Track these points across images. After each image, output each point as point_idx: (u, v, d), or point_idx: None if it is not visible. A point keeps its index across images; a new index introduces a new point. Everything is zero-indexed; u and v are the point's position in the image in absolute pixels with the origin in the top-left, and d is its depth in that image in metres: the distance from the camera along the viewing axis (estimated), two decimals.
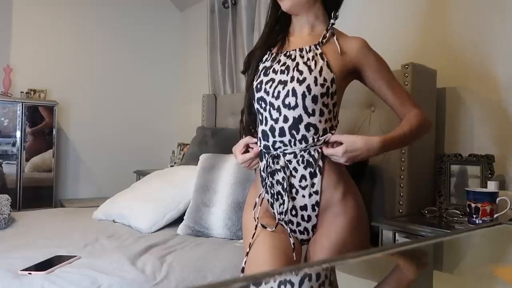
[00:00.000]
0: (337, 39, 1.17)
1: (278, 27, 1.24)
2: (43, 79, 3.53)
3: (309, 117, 1.10)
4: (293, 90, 1.10)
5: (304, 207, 1.15)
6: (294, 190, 1.14)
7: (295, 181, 1.13)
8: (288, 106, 1.10)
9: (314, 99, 1.10)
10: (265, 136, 1.15)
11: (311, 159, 1.11)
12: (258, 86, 1.16)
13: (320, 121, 1.12)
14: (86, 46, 3.76)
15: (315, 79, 1.10)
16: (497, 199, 1.36)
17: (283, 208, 1.15)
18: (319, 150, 1.11)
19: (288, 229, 1.17)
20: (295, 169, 1.12)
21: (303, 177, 1.12)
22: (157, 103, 4.12)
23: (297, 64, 1.13)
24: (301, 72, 1.11)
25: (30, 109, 3.25)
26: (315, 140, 1.11)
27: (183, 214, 1.97)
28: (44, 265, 1.39)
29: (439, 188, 1.74)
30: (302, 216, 1.16)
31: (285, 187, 1.13)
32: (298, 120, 1.10)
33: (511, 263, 0.81)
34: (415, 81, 1.66)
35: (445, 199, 1.71)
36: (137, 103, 4.02)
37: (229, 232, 1.82)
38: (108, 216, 2.14)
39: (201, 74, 3.61)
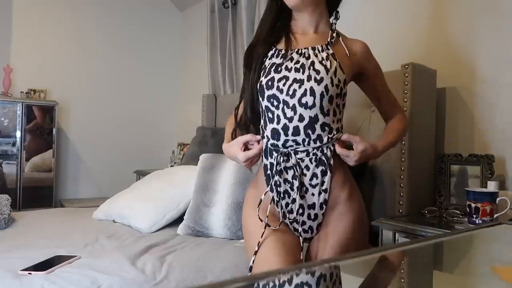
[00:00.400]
0: (342, 40, 1.19)
1: (279, 23, 1.22)
2: (43, 79, 3.53)
3: (324, 117, 1.10)
4: (311, 89, 1.09)
5: (312, 206, 1.14)
6: (304, 189, 1.13)
7: (305, 180, 1.13)
8: (305, 105, 1.09)
9: (331, 99, 1.10)
10: (275, 134, 1.13)
11: (323, 157, 1.11)
12: (269, 83, 1.13)
13: (333, 121, 1.13)
14: (86, 46, 3.76)
15: (331, 79, 1.10)
16: (497, 199, 1.36)
17: (291, 206, 1.14)
18: (331, 148, 1.12)
19: (292, 228, 1.17)
20: (307, 167, 1.12)
21: (314, 175, 1.12)
22: (157, 103, 4.13)
23: (313, 63, 1.12)
24: (318, 72, 1.10)
25: (30, 109, 3.25)
26: (329, 140, 1.11)
27: (183, 214, 1.97)
28: (44, 265, 1.39)
29: (439, 188, 1.74)
30: (309, 215, 1.15)
31: (296, 185, 1.12)
32: (314, 119, 1.10)
33: (511, 263, 0.81)
34: (415, 81, 1.66)
35: (445, 199, 1.71)
36: (137, 103, 4.02)
37: (229, 232, 1.82)
38: (108, 216, 2.14)
39: (201, 74, 3.61)
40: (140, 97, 4.04)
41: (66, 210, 2.59)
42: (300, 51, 1.15)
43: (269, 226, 1.13)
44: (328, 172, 1.12)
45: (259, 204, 1.14)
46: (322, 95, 1.09)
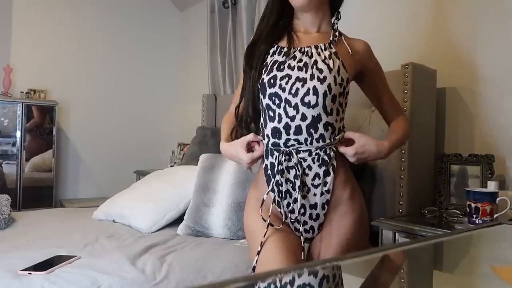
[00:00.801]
0: (344, 39, 1.19)
1: (282, 22, 1.21)
2: (43, 79, 3.53)
3: (327, 116, 1.10)
4: (314, 88, 1.08)
5: (314, 206, 1.14)
6: (305, 188, 1.13)
7: (307, 179, 1.12)
8: (307, 104, 1.08)
9: (334, 99, 1.10)
10: (276, 133, 1.12)
11: (326, 158, 1.11)
12: (271, 81, 1.12)
13: (336, 121, 1.12)
14: (86, 46, 3.76)
15: (335, 78, 1.09)
16: (497, 199, 1.36)
17: (293, 206, 1.13)
18: (334, 149, 1.12)
19: (293, 228, 1.17)
20: (309, 167, 1.11)
21: (316, 175, 1.11)
22: (157, 103, 4.12)
23: (316, 62, 1.11)
24: (321, 71, 1.10)
25: (30, 109, 3.25)
26: (332, 139, 1.11)
27: (183, 214, 1.97)
28: (44, 265, 1.39)
29: (439, 188, 1.74)
30: (311, 215, 1.15)
31: (298, 185, 1.11)
32: (317, 118, 1.09)
33: (511, 263, 0.81)
34: (415, 81, 1.66)
35: (445, 199, 1.71)
36: (137, 103, 4.02)
37: (229, 232, 1.82)
38: (108, 216, 2.14)
39: (201, 74, 3.61)
40: (140, 97, 4.04)
41: (66, 210, 2.59)
42: (303, 50, 1.15)
43: (272, 225, 1.12)
44: (331, 173, 1.12)
45: (261, 205, 1.14)
46: (325, 94, 1.08)
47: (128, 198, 2.17)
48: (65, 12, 3.65)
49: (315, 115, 1.09)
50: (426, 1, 2.00)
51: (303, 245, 1.14)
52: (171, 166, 3.30)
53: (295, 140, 1.10)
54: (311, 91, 1.08)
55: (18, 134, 3.18)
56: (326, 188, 1.12)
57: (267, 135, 1.14)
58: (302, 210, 1.14)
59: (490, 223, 1.30)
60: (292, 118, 1.10)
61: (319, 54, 1.13)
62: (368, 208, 1.35)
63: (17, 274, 1.32)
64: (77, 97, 3.70)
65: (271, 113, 1.13)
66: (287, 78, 1.11)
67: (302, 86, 1.09)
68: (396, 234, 1.51)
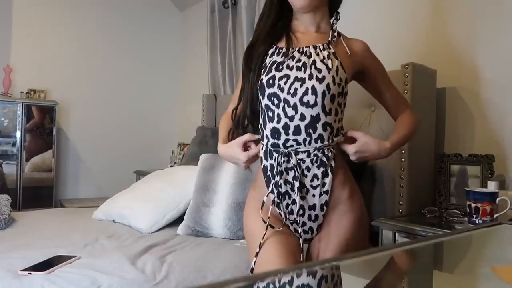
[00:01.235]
0: (343, 39, 1.19)
1: (280, 23, 1.21)
2: (43, 79, 3.53)
3: (326, 116, 1.10)
4: (313, 88, 1.08)
5: (312, 207, 1.13)
6: (304, 190, 1.12)
7: (306, 180, 1.12)
8: (306, 104, 1.08)
9: (332, 98, 1.10)
10: (275, 133, 1.12)
11: (324, 159, 1.11)
12: (270, 81, 1.12)
13: (335, 121, 1.12)
14: (86, 46, 3.76)
15: (333, 78, 1.10)
16: (497, 199, 1.36)
17: (292, 207, 1.13)
18: (332, 150, 1.12)
19: (293, 229, 1.17)
20: (308, 168, 1.11)
21: (315, 176, 1.11)
22: (157, 103, 4.12)
23: (314, 61, 1.11)
24: (319, 71, 1.10)
25: (30, 109, 3.25)
26: (330, 140, 1.11)
27: (183, 214, 1.97)
28: (44, 265, 1.39)
29: (439, 188, 1.74)
30: (309, 216, 1.14)
31: (296, 186, 1.11)
32: (316, 118, 1.09)
33: (511, 263, 0.81)
34: (415, 81, 1.66)
35: (445, 199, 1.71)
36: (137, 103, 4.02)
37: (229, 232, 1.82)
38: (108, 216, 2.14)
39: (201, 74, 3.61)
40: (140, 97, 4.04)
41: (66, 210, 2.59)
42: (301, 50, 1.15)
43: (272, 227, 1.12)
44: (330, 174, 1.11)
45: (262, 206, 1.14)
46: (323, 94, 1.08)
47: (128, 198, 2.17)
48: (65, 12, 3.65)
49: (314, 115, 1.09)
50: (426, 1, 2.00)
51: (302, 246, 1.14)
52: (171, 166, 3.30)
53: (294, 140, 1.10)
54: (309, 91, 1.08)
55: (18, 134, 3.18)
56: (324, 189, 1.12)
57: (267, 136, 1.14)
58: (301, 211, 1.14)
59: (490, 223, 1.30)
60: (291, 118, 1.10)
61: (317, 54, 1.13)
62: (368, 208, 1.35)
63: (17, 274, 1.32)
64: (77, 97, 3.70)
65: (270, 114, 1.13)
66: (285, 78, 1.11)
67: (301, 86, 1.09)
68: (396, 234, 1.51)
